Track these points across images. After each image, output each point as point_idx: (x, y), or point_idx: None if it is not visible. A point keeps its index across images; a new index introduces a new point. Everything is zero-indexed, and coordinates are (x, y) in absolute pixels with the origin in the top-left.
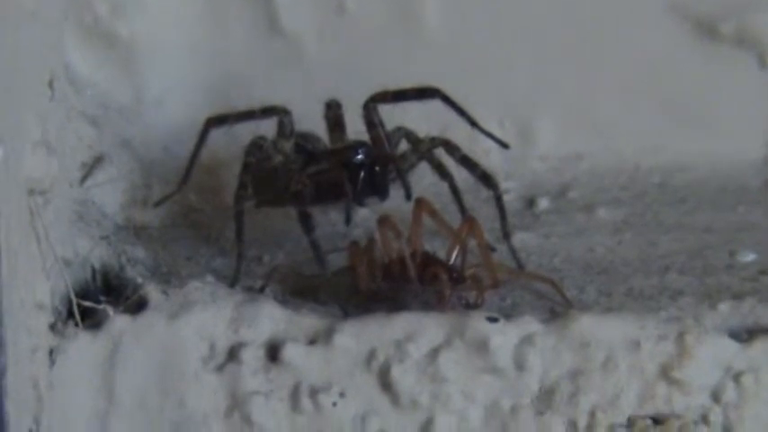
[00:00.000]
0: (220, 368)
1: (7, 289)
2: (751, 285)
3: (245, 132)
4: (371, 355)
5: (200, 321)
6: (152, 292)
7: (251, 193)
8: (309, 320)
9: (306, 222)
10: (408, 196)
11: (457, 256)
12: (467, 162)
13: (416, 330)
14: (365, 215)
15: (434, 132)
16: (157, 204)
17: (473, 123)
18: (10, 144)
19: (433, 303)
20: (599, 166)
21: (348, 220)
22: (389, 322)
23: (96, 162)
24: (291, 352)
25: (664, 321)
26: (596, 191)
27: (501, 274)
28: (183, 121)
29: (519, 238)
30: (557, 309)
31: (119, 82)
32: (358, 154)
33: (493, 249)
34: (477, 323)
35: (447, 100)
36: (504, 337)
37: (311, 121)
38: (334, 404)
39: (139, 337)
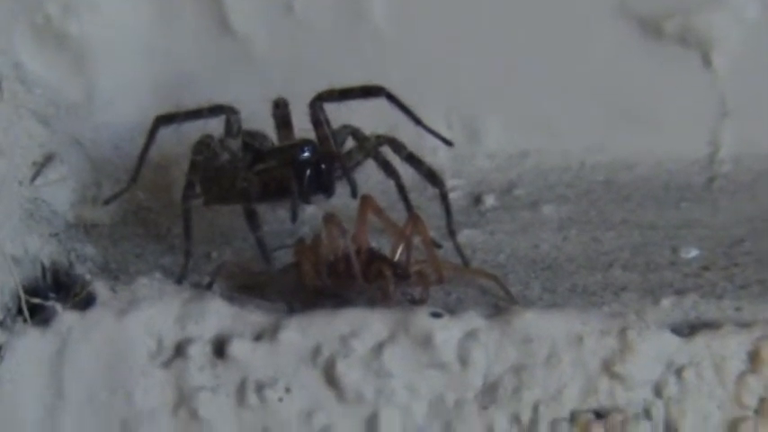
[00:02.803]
0: (168, 364)
1: None
2: (693, 281)
3: (194, 131)
4: (317, 351)
5: (148, 317)
6: (100, 288)
7: (199, 191)
8: (255, 316)
9: (252, 220)
10: (354, 194)
11: (401, 252)
12: (412, 160)
13: (361, 326)
14: (312, 212)
15: (383, 131)
16: (107, 202)
17: (417, 121)
18: None
19: (378, 299)
20: (544, 164)
21: (294, 218)
22: (334, 318)
23: (47, 161)
24: (238, 347)
25: (606, 317)
26: (542, 188)
27: (445, 271)
28: (134, 120)
29: (465, 235)
30: (501, 305)
31: (70, 81)
32: (304, 152)
33: (439, 246)
34: (422, 319)
35: (392, 98)
36: (448, 332)
37: (260, 120)
38: (280, 399)
39: (88, 333)
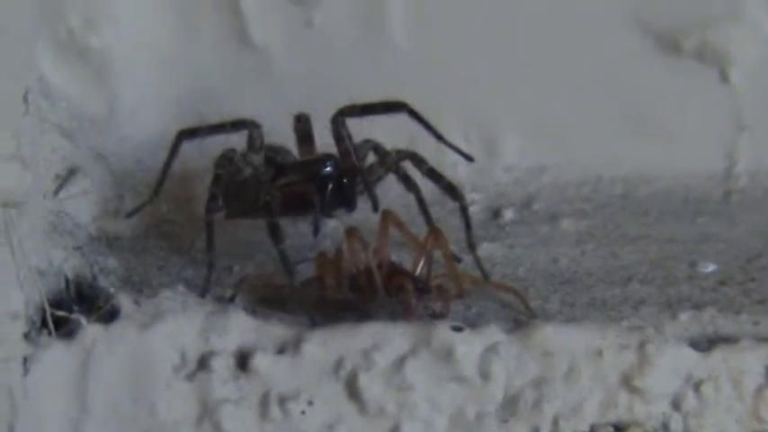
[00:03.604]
0: (191, 376)
1: None
2: (711, 295)
3: (216, 145)
4: (339, 364)
5: (172, 330)
6: (124, 301)
7: (221, 205)
8: (278, 330)
9: (275, 233)
10: (375, 208)
11: (423, 266)
12: (433, 174)
13: (383, 339)
14: (333, 226)
15: (402, 145)
16: (130, 215)
17: (439, 137)
18: None
19: (400, 313)
20: (562, 178)
21: (316, 232)
22: (356, 332)
23: (69, 174)
24: (260, 361)
25: (625, 331)
26: (560, 202)
27: (466, 285)
28: (155, 133)
29: (484, 249)
30: (521, 318)
31: (92, 94)
32: (326, 166)
33: (458, 260)
34: (443, 332)
35: (413, 114)
36: (468, 346)
37: (280, 134)
38: (303, 412)
39: (111, 346)
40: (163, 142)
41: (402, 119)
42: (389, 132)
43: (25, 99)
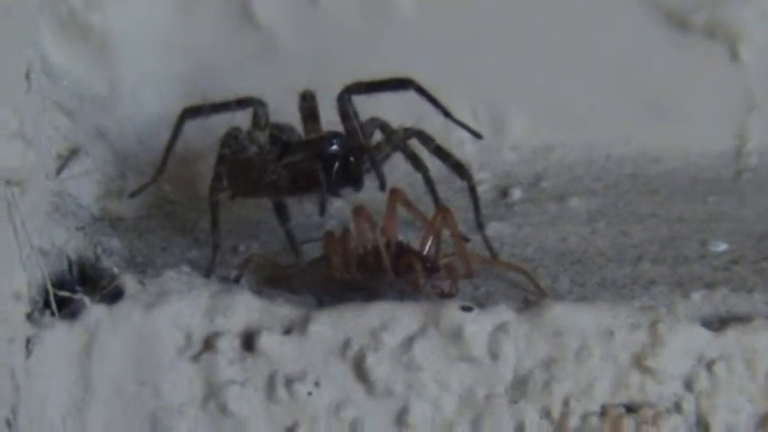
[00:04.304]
0: (196, 357)
1: None
2: (723, 275)
3: (220, 123)
4: (346, 345)
5: (176, 311)
6: (128, 281)
7: (226, 184)
8: (284, 310)
9: (281, 213)
10: (382, 187)
11: (431, 245)
12: (440, 152)
13: (391, 319)
14: (340, 206)
15: (408, 123)
16: (133, 195)
17: (446, 114)
18: None
19: (408, 293)
20: (571, 157)
21: (323, 211)
22: (364, 311)
23: (72, 154)
24: (267, 341)
25: (637, 310)
26: (569, 181)
27: (475, 264)
28: (158, 112)
29: (492, 228)
30: (530, 298)
31: (94, 73)
32: (332, 145)
33: (467, 239)
34: (452, 312)
35: (421, 91)
36: (478, 326)
37: (286, 112)
38: (310, 393)
39: (116, 326)
40: (165, 121)
41: (408, 97)
42: (394, 110)
43: (27, 77)
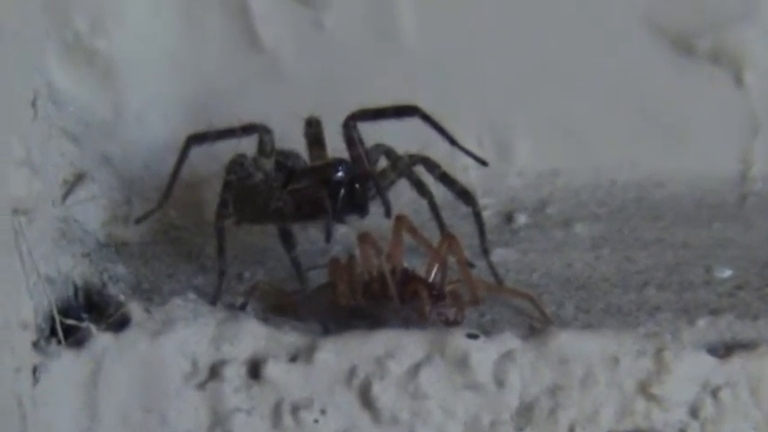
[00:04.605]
0: (202, 385)
1: None
2: (728, 301)
3: (226, 149)
4: (352, 372)
5: (183, 339)
6: (135, 309)
7: (232, 211)
8: (290, 337)
9: (287, 239)
10: (388, 213)
11: (436, 272)
12: (446, 179)
13: (397, 347)
14: (345, 232)
15: (414, 149)
16: (138, 221)
17: (452, 141)
18: None
19: (414, 320)
20: (576, 182)
21: (328, 237)
22: (370, 339)
23: (77, 179)
24: (273, 369)
25: (642, 337)
26: (574, 206)
27: (480, 291)
28: (163, 137)
29: (498, 254)
30: (536, 325)
31: (99, 98)
32: (338, 171)
33: (472, 266)
34: (458, 340)
35: (426, 118)
36: (483, 353)
37: (289, 137)
38: (316, 421)
39: (122, 354)
40: (171, 146)
41: (413, 123)
42: (401, 136)
43: (33, 104)
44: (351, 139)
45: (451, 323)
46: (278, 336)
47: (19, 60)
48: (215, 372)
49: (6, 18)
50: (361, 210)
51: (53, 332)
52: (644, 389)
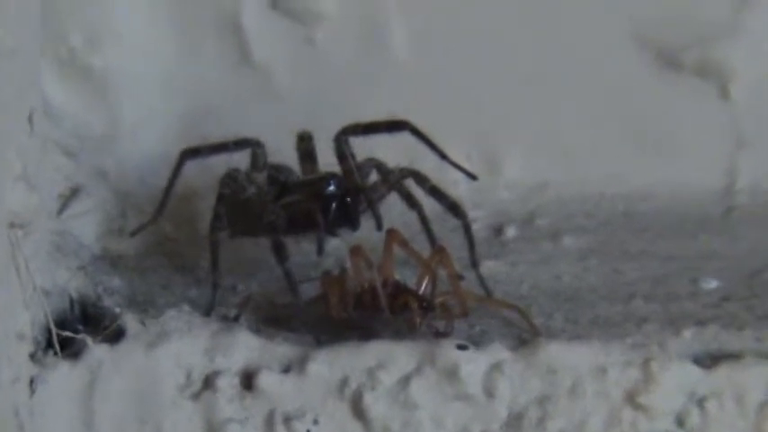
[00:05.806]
0: (196, 396)
1: None
2: (714, 312)
3: (219, 163)
4: (344, 383)
5: (177, 350)
6: (130, 321)
7: (225, 224)
8: (283, 349)
9: (279, 252)
10: (379, 227)
11: (427, 285)
12: (436, 192)
13: (388, 358)
14: (337, 245)
15: (404, 163)
16: (133, 234)
17: (442, 156)
18: None
19: (404, 332)
20: (564, 195)
21: (320, 250)
22: (361, 350)
23: (73, 193)
24: (266, 380)
25: (629, 348)
26: (562, 219)
27: (470, 303)
28: (158, 151)
29: (487, 266)
30: (525, 336)
31: (94, 113)
32: (330, 185)
33: (461, 278)
34: (448, 351)
35: (416, 133)
36: (473, 364)
37: (281, 152)
38: (308, 431)
39: (118, 366)
40: (165, 160)
41: (404, 137)
42: (392, 150)
43: (30, 120)
44: (342, 153)
45: (441, 335)
46: (271, 347)
47: (15, 77)
48: (209, 383)
49: (3, 35)
50: (353, 223)
51: (49, 344)
52: (631, 399)
